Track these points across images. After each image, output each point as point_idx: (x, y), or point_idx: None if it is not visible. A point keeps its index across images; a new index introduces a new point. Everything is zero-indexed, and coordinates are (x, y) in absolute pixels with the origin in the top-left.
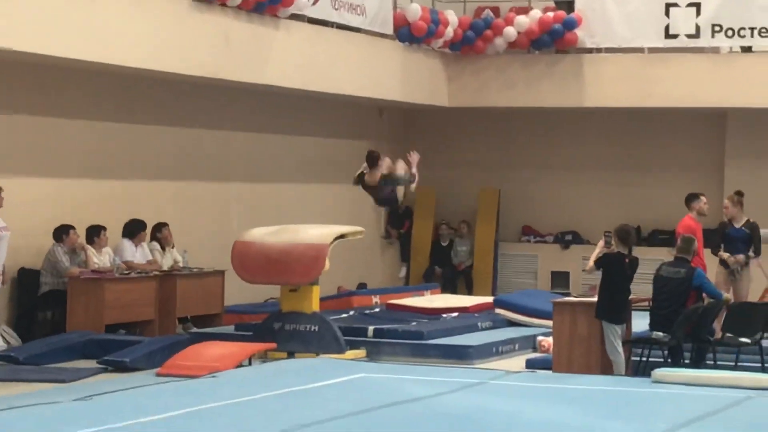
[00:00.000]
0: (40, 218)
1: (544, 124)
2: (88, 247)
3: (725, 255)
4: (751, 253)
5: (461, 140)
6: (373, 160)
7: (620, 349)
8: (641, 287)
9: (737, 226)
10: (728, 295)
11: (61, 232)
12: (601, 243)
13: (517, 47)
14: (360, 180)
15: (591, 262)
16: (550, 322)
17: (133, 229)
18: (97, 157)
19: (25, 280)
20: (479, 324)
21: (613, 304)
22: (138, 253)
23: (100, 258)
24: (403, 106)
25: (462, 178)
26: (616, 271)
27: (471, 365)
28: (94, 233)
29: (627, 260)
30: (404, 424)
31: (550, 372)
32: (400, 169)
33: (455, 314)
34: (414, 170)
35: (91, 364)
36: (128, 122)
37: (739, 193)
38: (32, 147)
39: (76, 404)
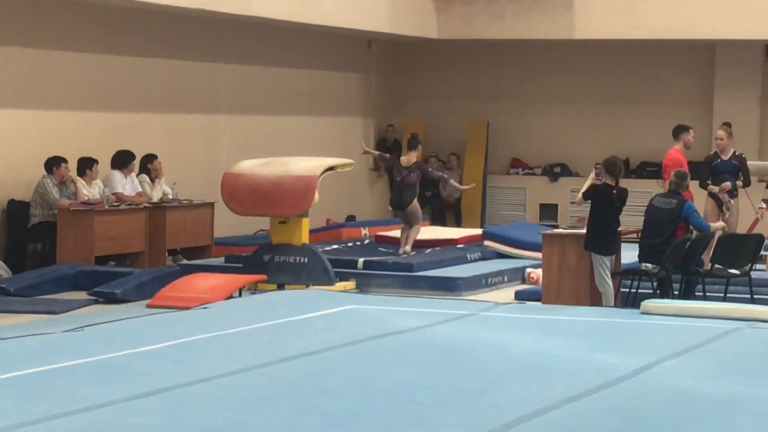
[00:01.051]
0: (29, 150)
1: (533, 56)
2: (78, 179)
3: (714, 188)
4: (739, 182)
5: (450, 72)
6: (414, 143)
7: (609, 280)
8: (631, 219)
9: (725, 158)
10: (721, 223)
11: (52, 164)
12: (592, 175)
13: None
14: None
15: (580, 194)
16: (538, 254)
17: (122, 160)
18: (86, 89)
19: (15, 212)
20: (468, 256)
21: (602, 235)
22: (128, 185)
23: (90, 190)
24: (392, 38)
25: (451, 111)
26: (604, 203)
27: (460, 297)
28: (86, 165)
29: (615, 191)
30: (394, 354)
31: (539, 303)
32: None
33: (444, 246)
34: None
35: (82, 295)
36: (117, 54)
37: (729, 125)
38: (21, 79)
39: (67, 335)
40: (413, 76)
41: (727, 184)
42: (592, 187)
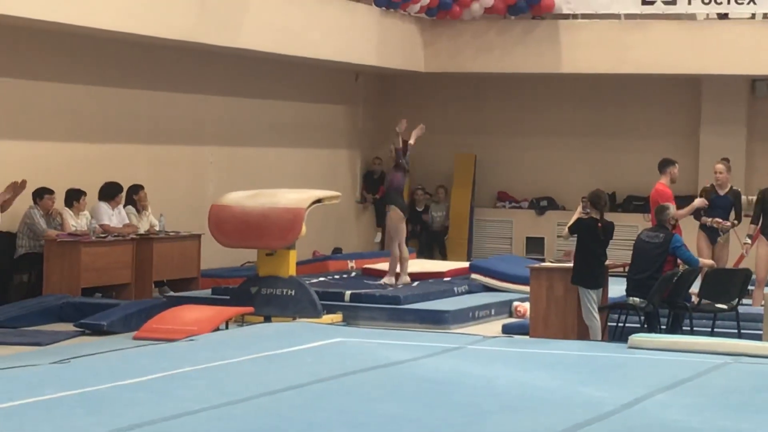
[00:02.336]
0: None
1: (520, 89)
2: (65, 209)
3: (709, 220)
4: (735, 221)
5: (437, 105)
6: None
7: (596, 314)
8: (618, 253)
9: (722, 193)
10: (710, 261)
11: (37, 195)
12: (579, 209)
13: (494, 13)
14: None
15: (566, 229)
16: (525, 288)
17: (109, 192)
18: (73, 120)
19: (1, 242)
20: (455, 289)
21: (589, 269)
22: (114, 217)
23: (77, 221)
24: (379, 70)
25: (438, 144)
26: (590, 237)
27: (448, 330)
28: (74, 197)
29: (600, 225)
30: (382, 387)
31: (526, 337)
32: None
33: (430, 279)
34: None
35: (68, 327)
36: (103, 85)
37: (727, 159)
38: (7, 110)
39: (53, 367)
40: (400, 108)
41: (728, 223)
42: (577, 221)
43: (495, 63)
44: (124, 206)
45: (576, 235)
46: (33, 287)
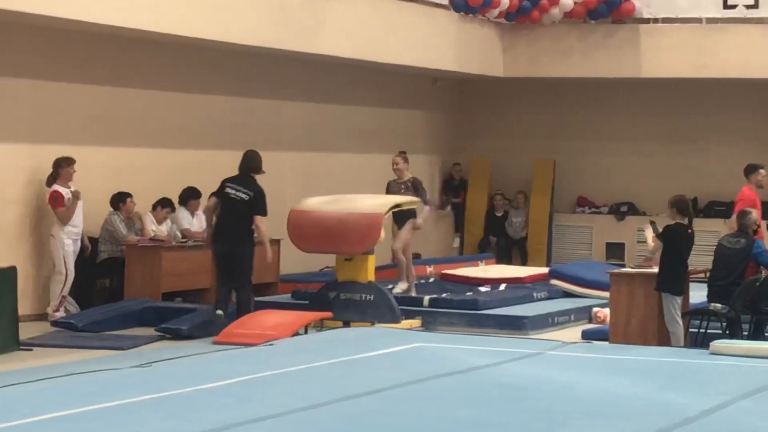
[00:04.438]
0: (98, 187)
1: (599, 94)
2: (146, 214)
3: None
4: None
5: (516, 111)
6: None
7: (680, 320)
8: (699, 259)
9: None
10: None
11: (118, 200)
12: (650, 232)
13: (573, 17)
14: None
15: (651, 242)
16: (605, 293)
17: (186, 197)
18: (155, 126)
19: (84, 247)
20: (535, 294)
21: (675, 275)
22: (195, 222)
23: (157, 226)
24: (458, 76)
25: (517, 149)
26: (680, 242)
27: (527, 336)
28: (159, 204)
29: (690, 230)
30: (460, 393)
31: (606, 343)
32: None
33: (510, 285)
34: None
35: (149, 331)
36: (185, 91)
37: None
38: (91, 116)
39: (134, 371)
40: (479, 114)
41: None
42: (666, 228)
43: (575, 68)
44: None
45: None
46: (114, 292)
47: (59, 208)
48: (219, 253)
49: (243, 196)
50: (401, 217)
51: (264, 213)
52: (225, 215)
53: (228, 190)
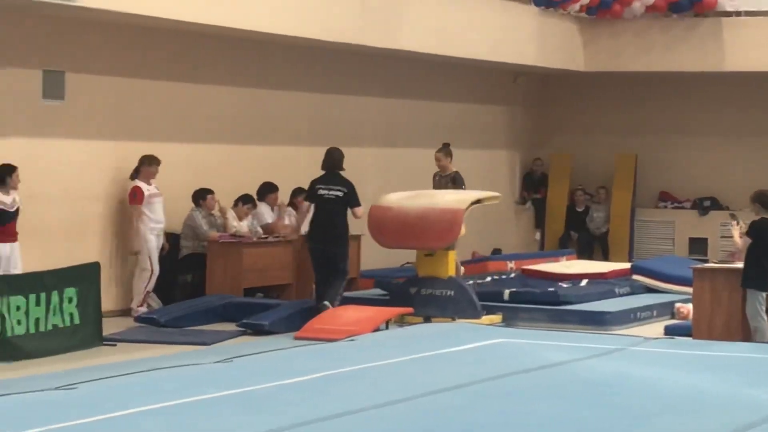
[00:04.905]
0: (179, 183)
1: (681, 88)
2: (230, 210)
3: None
4: None
5: (597, 105)
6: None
7: (765, 316)
8: None
9: None
10: None
11: (200, 197)
12: (735, 224)
13: (655, 11)
14: None
15: (738, 240)
16: (688, 289)
17: (264, 192)
18: (236, 122)
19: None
20: (616, 290)
21: (762, 271)
22: (275, 217)
23: (239, 222)
24: (539, 70)
25: (598, 144)
26: (766, 238)
27: (609, 331)
28: (242, 201)
29: None
30: (542, 389)
31: (689, 338)
32: None
33: (591, 280)
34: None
35: (230, 326)
36: (264, 87)
37: None
38: (172, 112)
39: (216, 366)
40: (560, 108)
41: None
42: (752, 223)
43: (657, 62)
44: (286, 208)
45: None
46: (196, 287)
47: (136, 204)
48: (316, 251)
49: (337, 193)
50: None
51: (360, 204)
52: (320, 215)
53: (320, 191)
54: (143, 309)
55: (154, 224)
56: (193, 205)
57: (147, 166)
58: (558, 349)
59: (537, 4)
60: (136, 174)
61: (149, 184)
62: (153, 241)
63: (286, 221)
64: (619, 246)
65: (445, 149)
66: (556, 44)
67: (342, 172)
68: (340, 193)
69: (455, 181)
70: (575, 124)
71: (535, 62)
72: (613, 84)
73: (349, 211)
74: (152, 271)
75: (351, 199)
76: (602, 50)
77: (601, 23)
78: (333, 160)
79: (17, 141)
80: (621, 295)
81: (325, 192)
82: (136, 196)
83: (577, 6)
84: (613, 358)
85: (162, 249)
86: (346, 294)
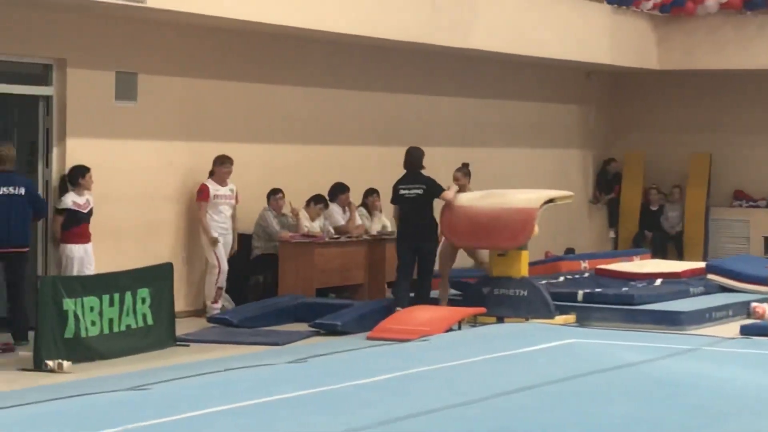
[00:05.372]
0: (251, 183)
1: (757, 86)
2: (302, 210)
3: None
4: None
5: (671, 103)
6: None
7: None
8: None
9: None
10: None
11: (271, 196)
12: None
13: (729, 8)
14: None
15: None
16: (764, 288)
17: (335, 192)
18: (306, 122)
19: (239, 244)
20: (691, 289)
21: None
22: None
23: (311, 222)
24: (612, 69)
25: (672, 143)
26: None
27: (683, 331)
28: (313, 201)
29: None
30: (617, 389)
31: (765, 338)
32: None
33: (665, 279)
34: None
35: (303, 327)
36: (335, 87)
37: None
38: (243, 113)
39: (290, 366)
40: (633, 107)
41: None
42: None
43: (731, 59)
44: (357, 208)
45: None
46: (269, 288)
47: (201, 200)
48: (406, 250)
49: (417, 191)
50: None
51: (443, 189)
52: (406, 215)
53: (401, 191)
54: (218, 306)
55: (216, 224)
56: (265, 205)
57: (219, 166)
58: (632, 350)
59: (610, 2)
60: (211, 175)
61: (224, 185)
62: (220, 238)
63: (358, 221)
64: (693, 245)
65: (464, 169)
66: (629, 42)
67: (423, 171)
68: (420, 191)
69: None
70: (649, 123)
71: (608, 60)
72: (687, 82)
73: (436, 207)
74: (219, 267)
75: (433, 192)
76: (676, 48)
77: (675, 21)
78: (412, 159)
79: (90, 142)
80: (695, 295)
81: (406, 192)
82: (202, 193)
83: (649, 3)
84: (687, 358)
85: (231, 249)
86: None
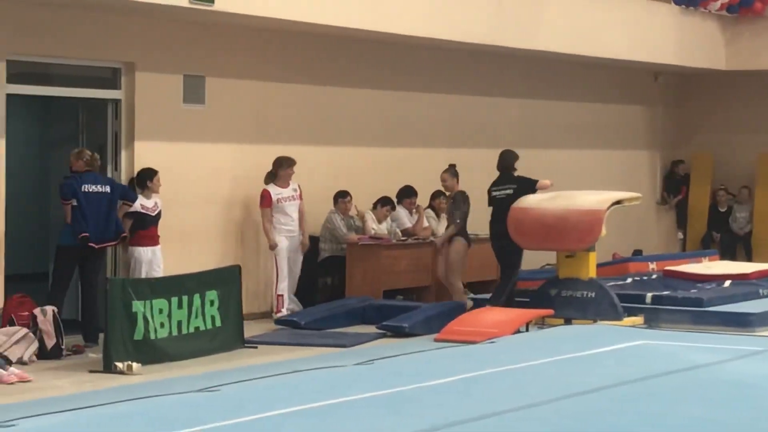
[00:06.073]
0: (318, 185)
1: None
2: (368, 212)
3: None
4: None
5: (739, 104)
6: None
7: None
8: None
9: None
10: None
11: (338, 199)
12: None
13: None
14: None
15: None
16: None
17: (402, 195)
18: (373, 124)
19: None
20: (761, 291)
21: None
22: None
23: (378, 224)
24: (679, 69)
25: (740, 143)
26: None
27: (753, 333)
28: (380, 203)
29: None
30: (686, 391)
31: None
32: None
33: (734, 281)
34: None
35: (370, 329)
36: (401, 90)
37: None
38: (311, 116)
39: (358, 368)
40: (700, 107)
41: None
42: None
43: None
44: (424, 210)
45: None
46: (336, 290)
47: (264, 207)
48: (495, 248)
49: (507, 191)
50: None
51: (536, 180)
52: (495, 214)
53: (493, 193)
54: (283, 312)
55: (283, 226)
56: (332, 207)
57: (281, 168)
58: (701, 351)
59: (677, 3)
60: (272, 177)
61: (287, 186)
62: (283, 242)
63: (425, 223)
64: (762, 246)
65: (451, 170)
66: (696, 43)
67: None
68: (509, 191)
69: (454, 200)
70: (716, 124)
71: (675, 61)
72: (755, 82)
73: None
74: (278, 272)
75: (526, 188)
76: (743, 49)
77: (742, 21)
78: (504, 161)
79: (158, 145)
80: (765, 296)
81: (497, 193)
82: (264, 199)
83: (717, 4)
84: (758, 359)
85: (302, 247)
86: (486, 296)
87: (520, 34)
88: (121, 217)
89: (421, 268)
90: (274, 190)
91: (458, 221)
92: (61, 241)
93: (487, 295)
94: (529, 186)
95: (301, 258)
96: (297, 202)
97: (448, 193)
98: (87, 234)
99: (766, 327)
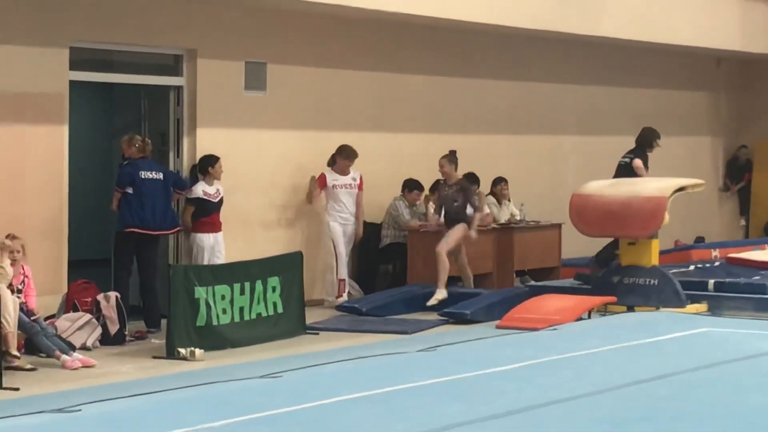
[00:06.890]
0: (380, 173)
1: None
2: (429, 199)
3: None
4: None
5: None
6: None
7: None
8: None
9: None
10: None
11: (407, 188)
12: None
13: None
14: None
15: None
16: None
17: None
18: (433, 111)
19: (368, 233)
20: None
21: None
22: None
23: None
24: (742, 55)
25: None
26: None
27: None
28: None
29: None
30: (752, 378)
31: None
32: None
33: None
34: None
35: (432, 316)
36: (462, 76)
37: None
38: (372, 102)
39: (420, 355)
40: (764, 94)
41: None
42: None
43: None
44: (486, 196)
45: None
46: (398, 276)
47: (317, 189)
48: None
49: (625, 160)
50: (451, 218)
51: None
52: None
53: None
54: (343, 298)
55: (337, 213)
56: (397, 194)
57: (341, 157)
58: (765, 339)
59: None
60: (332, 164)
61: (345, 174)
62: (338, 228)
63: (486, 210)
64: None
65: (451, 156)
66: (759, 29)
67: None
68: (627, 160)
69: (465, 190)
70: None
71: (738, 47)
72: None
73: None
74: (337, 257)
75: (635, 156)
76: None
77: None
78: (641, 137)
79: (220, 132)
80: None
81: (622, 161)
82: (319, 181)
83: None
84: None
85: (356, 236)
86: (548, 283)
87: (583, 21)
88: (174, 204)
89: (481, 255)
90: (331, 176)
91: (478, 206)
92: (118, 227)
93: (548, 283)
94: (641, 149)
95: (350, 247)
96: (354, 191)
97: (449, 182)
98: (135, 229)
99: None
